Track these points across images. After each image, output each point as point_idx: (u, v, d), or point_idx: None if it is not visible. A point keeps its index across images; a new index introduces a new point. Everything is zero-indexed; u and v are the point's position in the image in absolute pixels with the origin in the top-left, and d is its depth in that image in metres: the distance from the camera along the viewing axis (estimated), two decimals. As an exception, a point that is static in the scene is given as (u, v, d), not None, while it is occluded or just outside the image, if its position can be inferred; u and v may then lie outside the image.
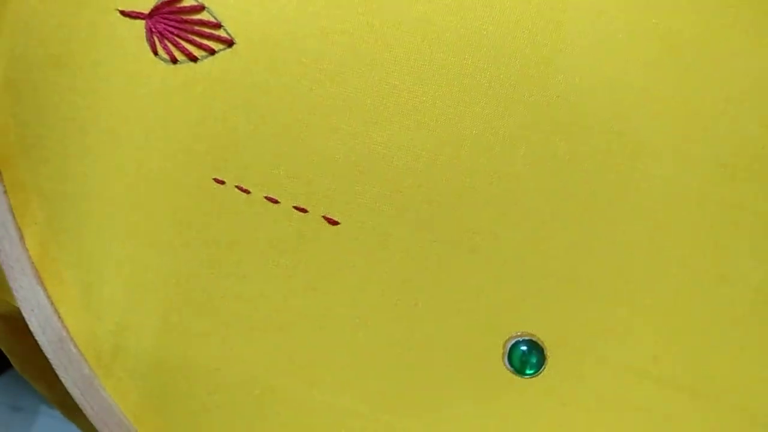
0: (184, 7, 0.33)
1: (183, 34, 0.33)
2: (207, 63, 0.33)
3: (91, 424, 0.35)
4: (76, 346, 0.35)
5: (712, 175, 0.30)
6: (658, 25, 0.30)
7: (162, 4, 0.33)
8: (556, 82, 0.31)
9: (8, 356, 0.45)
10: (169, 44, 0.34)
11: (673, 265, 0.31)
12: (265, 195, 0.33)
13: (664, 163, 0.31)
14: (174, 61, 0.34)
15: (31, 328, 0.35)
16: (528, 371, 0.30)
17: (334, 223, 0.32)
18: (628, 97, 0.31)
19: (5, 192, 0.35)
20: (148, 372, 0.35)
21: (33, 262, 0.35)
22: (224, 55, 0.33)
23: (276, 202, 0.33)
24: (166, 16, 0.33)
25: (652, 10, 0.30)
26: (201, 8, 0.33)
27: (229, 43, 0.33)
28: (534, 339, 0.31)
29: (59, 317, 0.35)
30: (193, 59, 0.33)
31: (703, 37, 0.30)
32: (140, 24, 0.34)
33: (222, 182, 0.33)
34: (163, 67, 0.34)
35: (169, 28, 0.34)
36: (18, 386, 0.80)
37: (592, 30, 0.31)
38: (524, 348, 0.30)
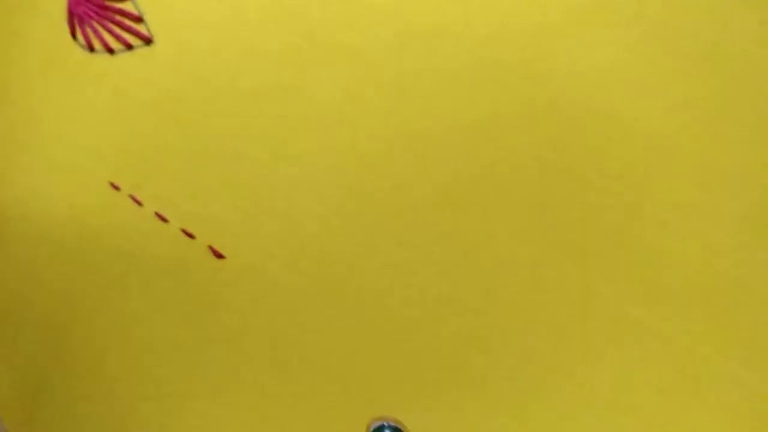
0: (109, -8, 0.31)
1: (102, 21, 0.31)
2: (123, 58, 0.31)
3: None
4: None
5: None
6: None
7: (87, -16, 0.31)
8: (482, 152, 0.28)
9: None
10: (87, 29, 0.31)
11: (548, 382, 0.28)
12: (156, 211, 0.30)
13: None
14: (91, 48, 0.31)
15: None
16: (384, 461, 0.28)
17: (220, 256, 0.30)
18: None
19: None
20: (24, 365, 0.34)
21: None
22: (141, 52, 0.31)
23: (165, 220, 0.30)
24: (89, -2, 0.31)
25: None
26: (126, -4, 0.31)
27: (147, 40, 0.30)
28: (399, 427, 0.28)
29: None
30: (110, 51, 0.31)
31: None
32: (63, 2, 0.31)
33: (117, 188, 0.31)
34: (79, 53, 0.31)
35: (90, 12, 0.31)
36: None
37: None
38: (388, 433, 0.28)
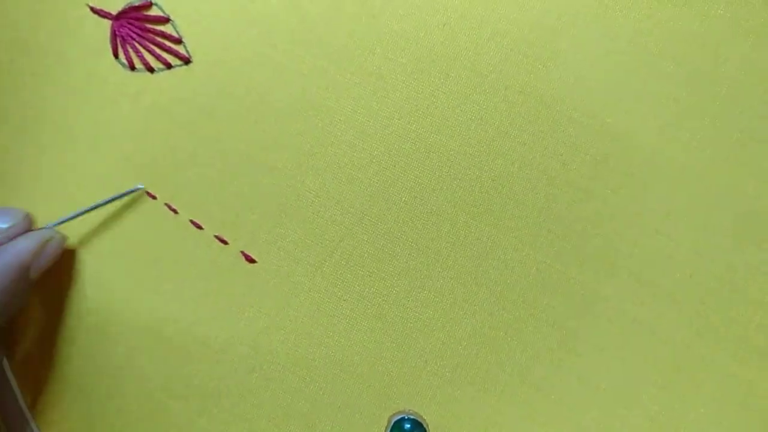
0: (150, 15, 0.33)
1: (144, 42, 0.33)
2: (162, 76, 0.33)
3: None
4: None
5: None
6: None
7: (130, 8, 0.33)
8: (493, 167, 0.30)
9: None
10: (129, 50, 0.34)
11: (574, 377, 0.30)
12: (191, 218, 0.33)
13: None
14: (132, 68, 0.34)
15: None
16: (403, 451, 0.30)
17: (251, 260, 0.32)
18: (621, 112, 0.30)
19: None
20: (57, 364, 0.35)
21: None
22: (179, 71, 0.33)
23: (200, 227, 0.33)
24: (131, 21, 0.33)
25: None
26: (166, 20, 0.33)
27: (186, 60, 0.33)
28: (419, 419, 0.30)
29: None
30: (150, 70, 0.33)
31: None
32: (106, 24, 0.34)
33: (154, 197, 0.33)
34: (120, 72, 0.34)
35: (132, 34, 0.33)
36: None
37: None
38: (408, 426, 0.30)
